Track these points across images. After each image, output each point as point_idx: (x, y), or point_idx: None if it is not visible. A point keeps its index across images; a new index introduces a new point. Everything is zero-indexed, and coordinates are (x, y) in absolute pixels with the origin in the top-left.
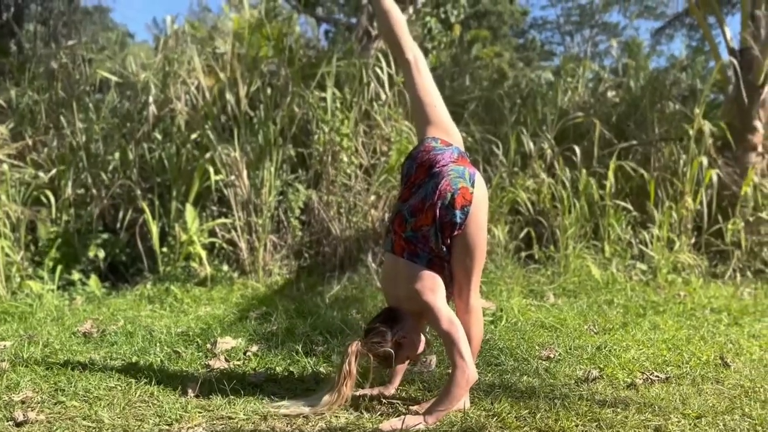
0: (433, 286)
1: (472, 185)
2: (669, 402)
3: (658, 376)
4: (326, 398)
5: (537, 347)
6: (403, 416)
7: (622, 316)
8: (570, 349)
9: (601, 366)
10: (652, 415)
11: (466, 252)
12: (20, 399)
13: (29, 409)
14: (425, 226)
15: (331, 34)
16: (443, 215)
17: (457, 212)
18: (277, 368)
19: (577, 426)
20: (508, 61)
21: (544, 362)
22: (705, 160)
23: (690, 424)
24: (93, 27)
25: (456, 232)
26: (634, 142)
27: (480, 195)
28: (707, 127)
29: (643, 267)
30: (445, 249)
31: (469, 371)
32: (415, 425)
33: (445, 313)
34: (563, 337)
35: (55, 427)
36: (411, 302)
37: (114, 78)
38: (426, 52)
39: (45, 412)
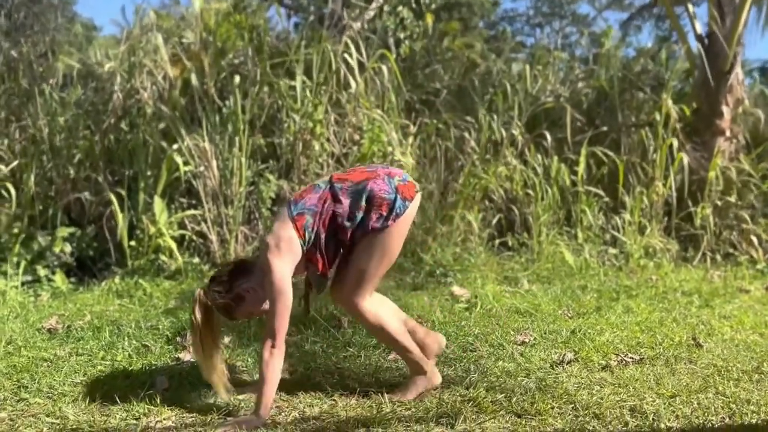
0: (286, 248)
1: (417, 191)
2: (643, 382)
3: (633, 358)
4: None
5: (512, 332)
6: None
7: (595, 300)
8: (545, 333)
9: (576, 349)
10: (627, 396)
11: (377, 254)
12: None
13: None
14: (349, 182)
15: (300, 26)
16: (381, 188)
17: (398, 199)
18: (249, 359)
19: (553, 408)
20: (479, 52)
21: (519, 347)
22: (675, 145)
23: (665, 403)
24: (58, 19)
25: (390, 223)
26: (605, 128)
27: (414, 208)
28: (674, 111)
29: (616, 252)
30: (348, 224)
31: (272, 344)
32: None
33: (279, 278)
34: (538, 322)
35: (17, 425)
36: (262, 255)
37: (77, 65)
38: (398, 42)
39: (7, 409)
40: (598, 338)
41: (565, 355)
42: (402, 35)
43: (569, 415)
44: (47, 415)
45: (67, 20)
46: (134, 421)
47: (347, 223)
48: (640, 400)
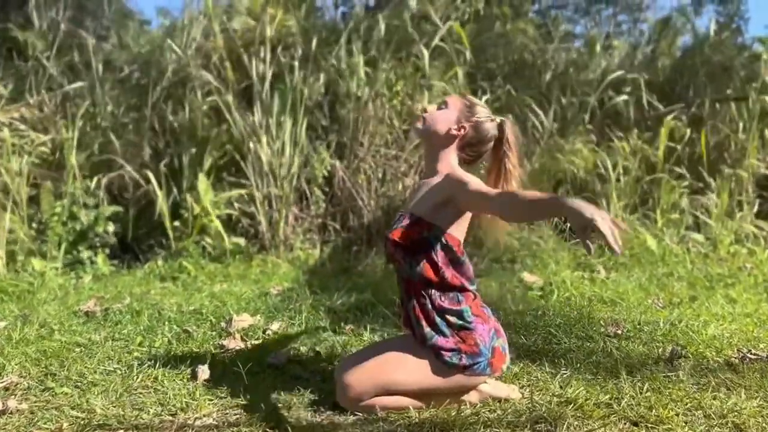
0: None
1: (503, 369)
2: None
3: (757, 355)
4: None
5: (600, 323)
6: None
7: (687, 289)
8: (639, 324)
9: (681, 344)
10: (766, 402)
11: (420, 376)
12: (3, 385)
13: (11, 396)
14: (476, 303)
15: (347, 15)
16: (483, 336)
17: (486, 361)
18: (301, 348)
19: (677, 415)
20: (532, 37)
21: (612, 339)
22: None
23: None
24: (107, 11)
25: (461, 371)
26: (688, 103)
27: (484, 380)
28: None
29: (700, 238)
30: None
31: (499, 195)
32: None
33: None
34: (626, 313)
35: (36, 418)
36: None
37: (132, 46)
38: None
39: (29, 400)
40: (704, 331)
41: (673, 350)
42: (453, 15)
43: (701, 424)
44: (72, 408)
45: (120, 14)
46: (170, 417)
47: (439, 264)
48: None
